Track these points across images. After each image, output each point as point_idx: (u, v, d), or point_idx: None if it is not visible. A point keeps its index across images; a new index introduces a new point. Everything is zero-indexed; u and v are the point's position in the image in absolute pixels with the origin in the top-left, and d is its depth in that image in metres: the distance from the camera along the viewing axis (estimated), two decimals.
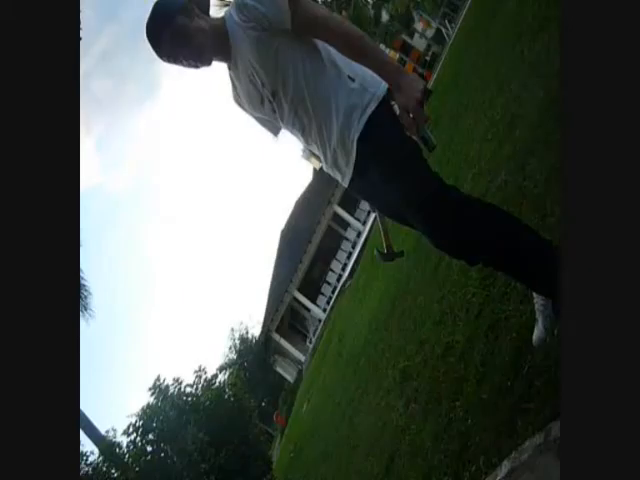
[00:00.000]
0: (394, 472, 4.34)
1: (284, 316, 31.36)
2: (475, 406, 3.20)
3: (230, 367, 28.80)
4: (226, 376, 24.28)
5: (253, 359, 29.65)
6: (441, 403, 3.92)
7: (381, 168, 2.21)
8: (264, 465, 10.86)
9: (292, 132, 2.48)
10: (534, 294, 2.61)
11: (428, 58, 28.95)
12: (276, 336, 30.16)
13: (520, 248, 2.24)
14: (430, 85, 22.73)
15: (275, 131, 2.69)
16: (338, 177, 2.45)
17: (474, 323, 4.00)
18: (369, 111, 2.17)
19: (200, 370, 11.98)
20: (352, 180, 2.38)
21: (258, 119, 2.60)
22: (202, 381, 11.83)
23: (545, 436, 2.26)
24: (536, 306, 2.64)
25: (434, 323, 5.33)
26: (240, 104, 2.55)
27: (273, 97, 2.29)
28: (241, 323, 33.99)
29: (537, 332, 2.67)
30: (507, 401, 2.78)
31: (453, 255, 2.40)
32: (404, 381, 5.42)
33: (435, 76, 22.37)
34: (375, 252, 3.39)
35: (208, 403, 10.75)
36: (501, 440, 2.65)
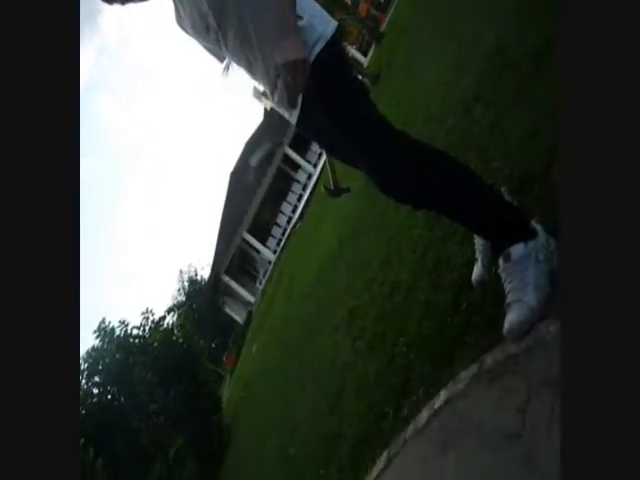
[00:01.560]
0: (340, 406, 4.57)
1: (234, 258, 31.42)
2: (417, 342, 3.39)
3: (178, 309, 28.97)
4: (174, 318, 24.42)
5: (202, 301, 29.79)
6: (386, 340, 4.12)
7: (327, 109, 2.24)
8: (213, 404, 11.15)
9: (239, 65, 2.45)
10: (475, 235, 2.75)
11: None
12: (225, 278, 30.29)
13: (463, 193, 2.34)
14: (383, 28, 22.37)
15: (221, 59, 2.61)
16: (286, 115, 2.47)
17: (419, 263, 4.17)
18: (316, 50, 2.16)
19: (147, 312, 12.03)
20: (300, 119, 2.40)
21: (203, 45, 2.54)
22: (149, 323, 11.89)
23: (479, 367, 2.45)
24: (476, 246, 2.80)
25: (381, 263, 5.53)
26: (183, 27, 2.47)
27: (219, 27, 2.25)
28: (190, 265, 34.03)
29: (476, 271, 2.83)
30: (447, 336, 2.96)
31: (398, 200, 2.49)
32: (351, 320, 5.63)
33: (388, 18, 22.04)
34: (322, 188, 3.48)
35: (156, 345, 10.85)
36: (440, 372, 2.85)
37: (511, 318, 2.25)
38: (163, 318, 12.60)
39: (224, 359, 23.82)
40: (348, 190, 3.48)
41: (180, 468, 9.51)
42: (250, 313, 26.50)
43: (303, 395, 6.38)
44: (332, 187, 3.29)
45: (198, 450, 9.97)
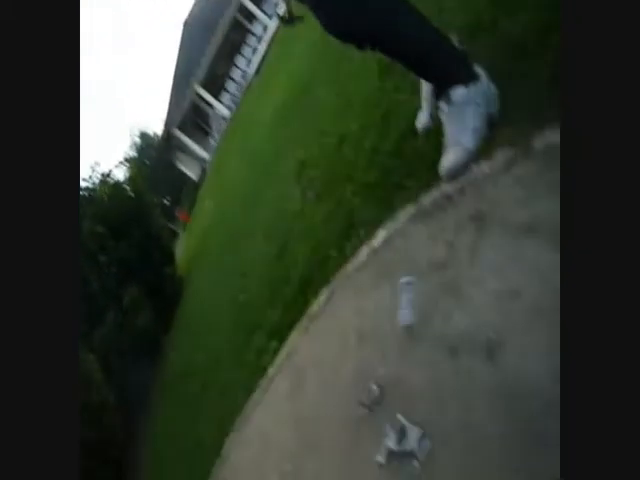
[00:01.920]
0: (288, 251, 4.77)
1: (187, 113, 30.48)
2: (362, 189, 3.50)
3: (129, 163, 28.50)
4: (125, 173, 24.06)
5: (154, 156, 29.30)
6: (333, 189, 4.23)
7: None
8: (166, 257, 11.41)
9: None
10: (422, 81, 2.76)
11: None
12: (178, 133, 29.52)
13: (405, 28, 2.31)
14: None
15: None
16: None
17: (368, 113, 4.19)
18: None
19: (96, 164, 11.78)
20: None
21: None
22: (99, 176, 11.69)
23: (417, 206, 2.60)
24: (422, 94, 2.83)
25: (332, 115, 5.52)
26: None
27: None
28: (142, 120, 32.93)
29: (421, 118, 2.89)
30: (390, 181, 3.07)
31: (341, 37, 2.44)
32: (302, 170, 5.70)
33: None
34: (278, 19, 3.40)
35: (105, 198, 10.80)
36: (381, 214, 2.99)
37: (448, 159, 2.35)
38: (111, 171, 12.34)
39: (177, 215, 23.99)
40: (302, 19, 3.39)
41: (134, 316, 9.91)
42: (204, 170, 26.30)
43: (253, 245, 6.59)
44: (287, 16, 3.21)
45: (152, 299, 10.35)
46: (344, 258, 3.24)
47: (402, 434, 1.88)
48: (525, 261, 1.77)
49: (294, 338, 3.38)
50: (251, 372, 4.08)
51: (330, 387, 2.61)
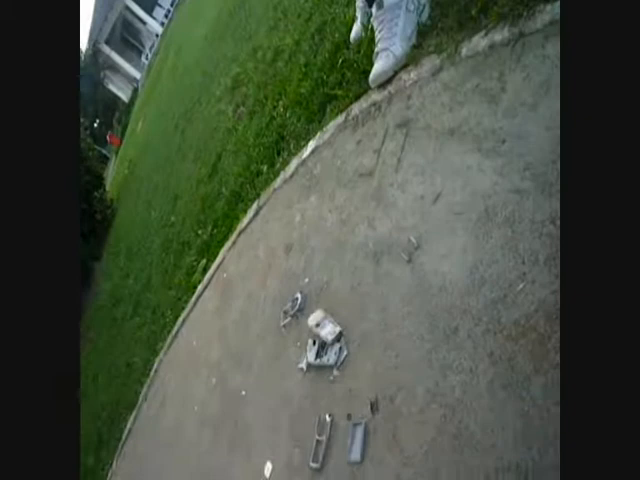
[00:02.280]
0: (220, 169, 4.65)
1: (115, 27, 28.70)
2: (294, 103, 3.40)
3: None
4: None
5: (81, 74, 27.71)
6: (266, 105, 4.10)
7: None
8: (95, 179, 10.99)
9: None
10: None
11: None
12: (106, 48, 27.86)
13: None
14: None
15: None
16: None
17: (304, 27, 4.03)
18: None
19: None
20: None
21: None
22: None
23: (346, 116, 2.54)
24: (357, 3, 2.74)
25: (267, 30, 5.29)
26: None
27: None
28: None
29: (355, 29, 2.80)
30: (321, 92, 2.98)
31: None
32: (235, 87, 5.51)
33: None
34: None
35: None
36: (311, 127, 2.93)
37: (377, 67, 2.29)
38: None
39: (108, 139, 23.00)
40: None
41: None
42: (135, 90, 25.10)
43: (185, 165, 6.41)
44: None
45: (81, 225, 10.00)
46: (275, 173, 3.18)
47: (321, 349, 1.89)
48: (448, 165, 1.76)
49: (223, 254, 3.34)
50: (181, 291, 4.04)
51: (256, 299, 2.60)
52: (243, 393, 2.35)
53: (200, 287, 3.52)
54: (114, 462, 3.98)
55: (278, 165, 3.19)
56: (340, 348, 1.81)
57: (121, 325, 6.01)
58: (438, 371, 1.41)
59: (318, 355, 1.89)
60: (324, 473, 1.64)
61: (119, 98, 27.86)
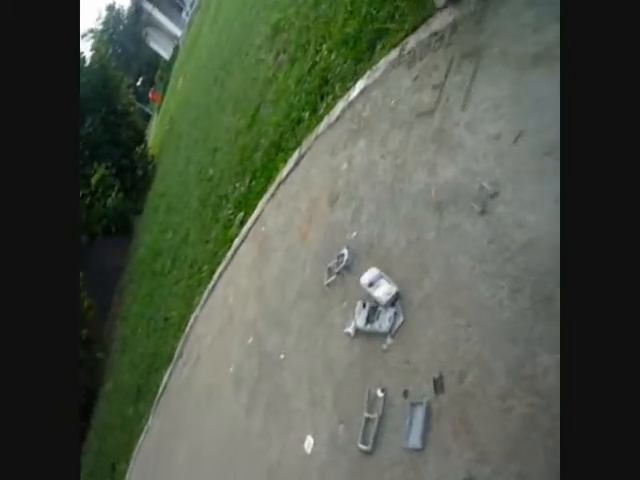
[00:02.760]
0: (258, 119, 4.35)
1: None
2: (340, 44, 3.05)
3: (93, 34, 26.55)
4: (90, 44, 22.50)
5: (123, 31, 27.32)
6: (308, 49, 3.75)
7: None
8: (137, 135, 10.78)
9: None
10: None
11: None
12: (148, 5, 27.34)
13: None
14: None
15: None
16: None
17: None
18: None
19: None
20: None
21: None
22: None
23: (400, 51, 2.19)
24: None
25: None
26: None
27: None
28: None
29: None
30: (370, 28, 2.63)
31: None
32: (276, 35, 5.14)
33: None
34: None
35: None
36: (360, 67, 2.58)
37: None
38: None
39: (150, 95, 22.72)
40: None
41: (103, 196, 9.40)
42: (176, 47, 24.63)
43: (224, 118, 6.11)
44: None
45: (122, 179, 9.82)
46: (317, 119, 2.86)
47: (373, 313, 1.61)
48: (533, 97, 1.42)
49: (261, 206, 3.06)
50: (217, 245, 3.80)
51: (296, 255, 2.33)
52: (282, 356, 2.10)
53: (237, 241, 3.26)
54: (150, 417, 3.83)
55: (322, 111, 2.86)
56: (395, 313, 1.52)
57: (160, 278, 5.85)
58: (524, 347, 1.11)
59: (369, 320, 1.61)
60: (376, 457, 1.38)
61: (161, 56, 27.43)
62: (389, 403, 1.40)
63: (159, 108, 21.45)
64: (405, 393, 1.35)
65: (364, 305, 1.66)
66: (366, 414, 1.44)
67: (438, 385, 1.26)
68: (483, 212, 1.39)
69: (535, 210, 1.25)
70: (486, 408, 1.12)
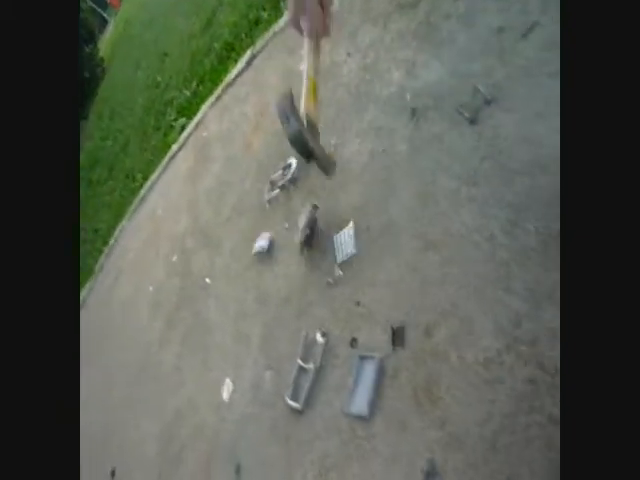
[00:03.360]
0: (215, 22, 3.82)
1: None
2: None
3: None
4: None
5: None
6: None
7: None
8: (86, 34, 9.81)
9: None
10: None
11: None
12: None
13: None
14: None
15: None
16: None
17: None
18: None
19: None
20: None
21: None
22: None
23: None
24: None
25: None
26: None
27: None
28: None
29: None
30: None
31: None
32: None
33: None
34: None
35: None
36: None
37: None
38: None
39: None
40: None
41: None
42: None
43: (179, 20, 5.49)
44: None
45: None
46: (277, 16, 2.41)
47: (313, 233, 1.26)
48: None
49: (204, 111, 2.62)
50: (155, 153, 3.35)
51: (238, 165, 1.94)
52: (207, 281, 1.75)
53: (175, 147, 2.83)
54: None
55: (283, 8, 2.41)
56: (346, 237, 1.18)
57: (95, 188, 5.34)
58: (522, 300, 0.80)
59: (307, 242, 1.27)
60: (307, 419, 1.06)
61: None
62: (330, 352, 1.07)
63: (117, 14, 19.87)
64: (353, 342, 1.03)
65: (308, 227, 1.32)
66: (300, 362, 1.12)
67: (398, 337, 0.94)
68: (474, 121, 1.04)
69: (545, 123, 0.91)
70: (462, 376, 0.81)
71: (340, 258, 1.17)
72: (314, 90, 1.18)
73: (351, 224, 1.19)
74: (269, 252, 1.47)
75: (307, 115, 1.12)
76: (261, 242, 1.48)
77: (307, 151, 1.08)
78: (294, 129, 1.06)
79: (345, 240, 1.17)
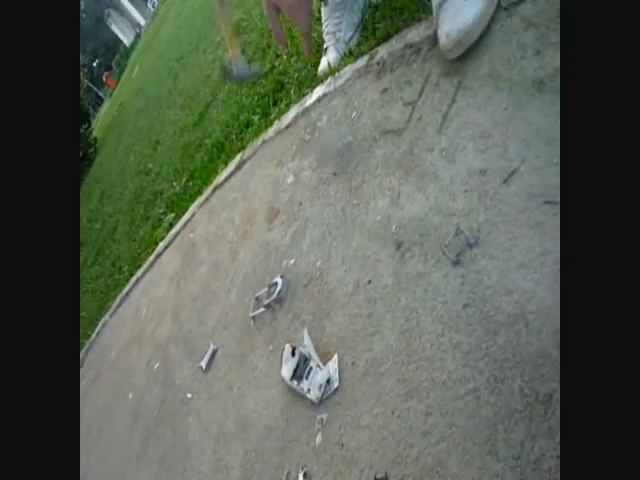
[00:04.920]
0: (207, 118, 3.95)
1: None
2: (302, 48, 2.70)
3: None
4: None
5: (83, 8, 26.07)
6: (267, 53, 3.39)
7: None
8: (80, 114, 10.08)
9: None
10: None
11: None
12: None
13: None
14: None
15: None
16: None
17: None
18: None
19: None
20: None
21: None
22: None
23: (368, 60, 1.86)
24: None
25: None
26: None
27: None
28: None
29: None
30: None
31: None
32: (237, 35, 4.76)
33: None
34: None
35: None
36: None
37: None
38: None
39: (104, 79, 21.65)
40: None
41: None
42: (138, 35, 23.63)
43: (172, 111, 5.66)
44: None
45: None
46: (268, 123, 2.49)
47: (303, 366, 1.25)
48: (533, 130, 1.12)
49: (193, 210, 2.65)
50: (142, 246, 3.35)
51: (224, 273, 1.94)
52: (189, 396, 1.70)
53: (161, 245, 2.83)
54: None
55: (273, 115, 2.50)
56: (327, 385, 1.16)
57: (81, 271, 5.29)
58: (509, 468, 0.78)
59: (297, 374, 1.25)
60: None
61: (121, 41, 26.26)
62: None
63: (112, 94, 20.53)
64: None
65: (293, 352, 1.31)
66: None
67: None
68: (457, 263, 1.06)
69: (529, 273, 0.93)
70: None
71: (322, 397, 1.15)
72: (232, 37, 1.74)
73: (335, 358, 1.18)
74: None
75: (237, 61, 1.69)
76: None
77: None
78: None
79: (331, 375, 1.16)
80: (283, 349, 1.34)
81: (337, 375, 1.14)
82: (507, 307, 0.92)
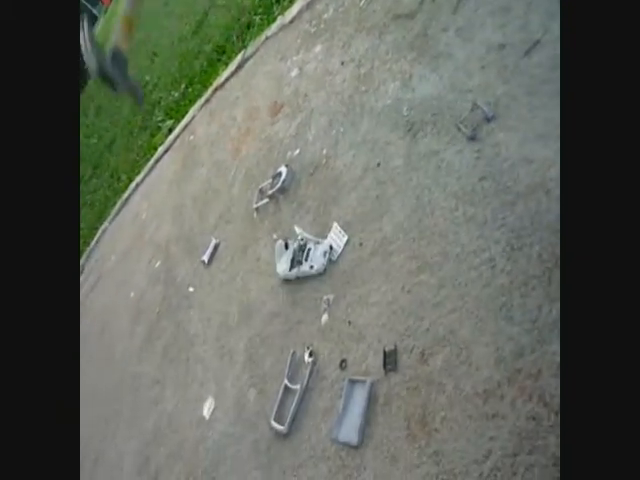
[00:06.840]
0: (205, 25, 3.75)
1: None
2: None
3: None
4: None
5: None
6: None
7: None
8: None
9: None
10: None
11: None
12: None
13: None
14: None
15: None
16: None
17: None
18: None
19: None
20: None
21: None
22: None
23: None
24: None
25: None
26: None
27: None
28: None
29: None
30: None
31: None
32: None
33: None
34: None
35: None
36: None
37: None
38: None
39: None
40: None
41: None
42: None
43: (170, 22, 5.40)
44: None
45: None
46: (270, 21, 2.36)
47: (300, 252, 1.22)
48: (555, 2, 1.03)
49: (192, 114, 2.56)
50: (141, 154, 3.27)
51: (225, 171, 1.88)
52: (191, 289, 1.69)
53: (161, 149, 2.76)
54: None
55: (276, 13, 2.36)
56: (326, 252, 1.13)
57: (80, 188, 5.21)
58: (526, 330, 0.75)
59: (294, 262, 1.22)
60: (291, 443, 1.01)
61: None
62: (319, 373, 1.02)
63: (107, 11, 19.62)
64: (342, 363, 0.98)
65: (286, 245, 1.27)
66: (286, 382, 1.06)
67: (390, 360, 0.89)
68: (473, 138, 1.00)
69: (549, 144, 0.87)
70: (459, 408, 0.76)
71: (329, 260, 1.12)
72: (130, 25, 1.38)
73: (335, 225, 1.15)
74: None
75: (116, 48, 1.26)
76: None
77: (110, 81, 1.20)
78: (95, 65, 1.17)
79: (333, 241, 1.13)
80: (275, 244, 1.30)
81: (341, 239, 1.11)
82: (526, 177, 0.87)
